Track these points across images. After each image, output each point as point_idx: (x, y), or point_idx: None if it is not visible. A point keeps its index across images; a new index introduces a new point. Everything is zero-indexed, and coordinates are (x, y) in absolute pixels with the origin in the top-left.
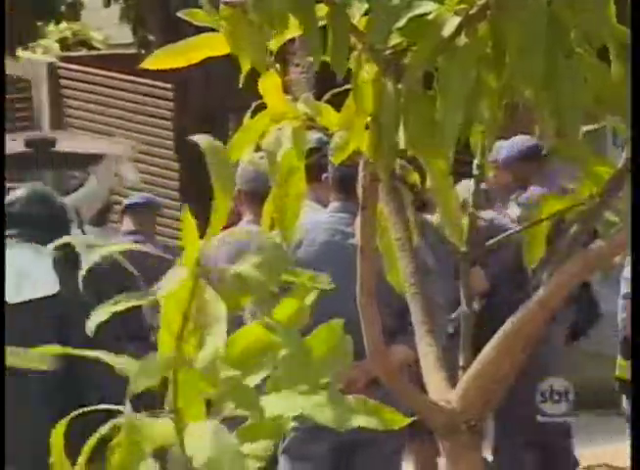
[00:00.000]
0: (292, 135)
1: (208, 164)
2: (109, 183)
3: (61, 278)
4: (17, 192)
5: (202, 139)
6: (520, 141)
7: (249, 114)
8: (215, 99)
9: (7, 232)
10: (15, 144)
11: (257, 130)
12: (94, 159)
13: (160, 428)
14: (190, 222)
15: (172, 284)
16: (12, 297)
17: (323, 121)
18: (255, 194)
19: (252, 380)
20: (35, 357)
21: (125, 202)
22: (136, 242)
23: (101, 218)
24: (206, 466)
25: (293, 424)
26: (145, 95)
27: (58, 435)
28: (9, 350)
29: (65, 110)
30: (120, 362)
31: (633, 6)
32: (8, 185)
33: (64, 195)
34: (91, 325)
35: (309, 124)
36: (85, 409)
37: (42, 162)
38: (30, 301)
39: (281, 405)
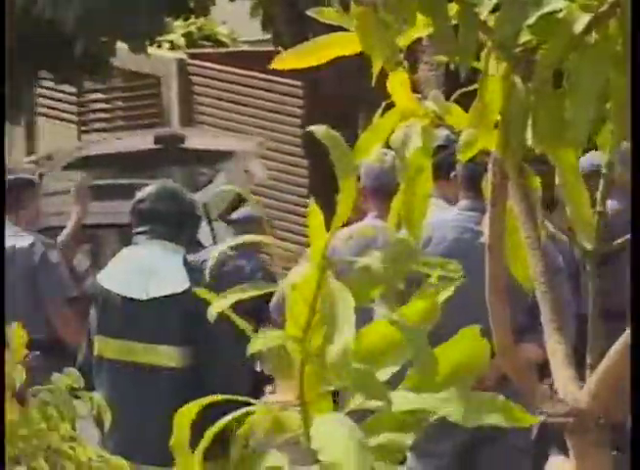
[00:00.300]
0: (420, 133)
1: (331, 153)
2: (238, 180)
3: (190, 275)
4: (146, 189)
5: (320, 130)
6: None
7: (379, 112)
8: (345, 97)
9: (137, 229)
10: (144, 141)
11: (386, 129)
12: (223, 155)
13: (288, 419)
14: (317, 215)
15: (299, 276)
16: (141, 294)
17: (451, 120)
18: (380, 190)
19: (380, 375)
20: (164, 354)
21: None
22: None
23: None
24: (333, 459)
25: (422, 418)
26: (275, 93)
27: (184, 418)
28: (140, 346)
29: (194, 106)
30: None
31: (633, 6)
32: (136, 181)
33: (193, 192)
34: (213, 311)
35: (437, 122)
36: (214, 398)
37: (171, 158)
38: (159, 298)
39: (409, 400)
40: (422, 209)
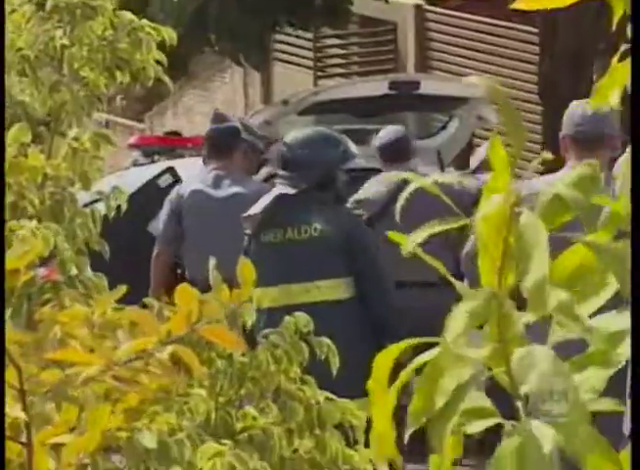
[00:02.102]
0: None
1: (497, 107)
2: (471, 126)
3: (329, 217)
4: (289, 135)
5: (484, 81)
6: None
7: (616, 57)
8: (581, 43)
9: (281, 174)
10: (379, 86)
11: (624, 75)
12: (457, 102)
13: (478, 355)
14: (499, 149)
15: (489, 209)
16: (289, 236)
17: None
18: (581, 139)
19: (586, 304)
20: (329, 289)
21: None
22: None
23: (462, 161)
24: (538, 391)
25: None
26: (510, 39)
27: (384, 360)
28: (299, 287)
29: (429, 53)
30: (460, 286)
31: (633, 6)
32: (369, 127)
33: (426, 137)
34: (409, 245)
35: None
36: (412, 341)
37: (405, 104)
38: (314, 237)
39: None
40: None
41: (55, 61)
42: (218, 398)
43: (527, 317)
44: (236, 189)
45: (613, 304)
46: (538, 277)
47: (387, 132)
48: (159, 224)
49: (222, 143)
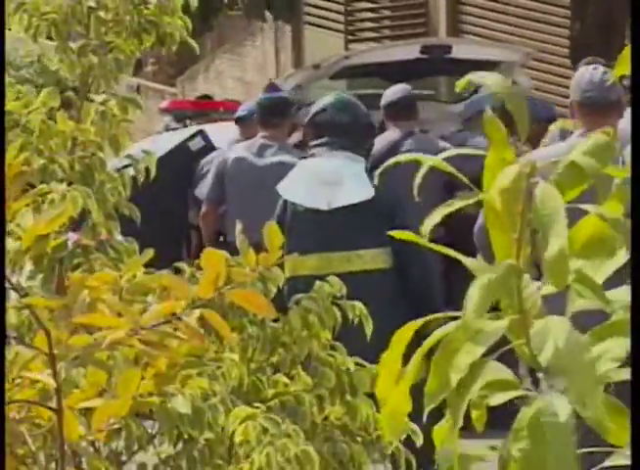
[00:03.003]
0: None
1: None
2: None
3: (369, 185)
4: (322, 101)
5: (489, 79)
6: None
7: None
8: (614, 7)
9: (315, 141)
10: (411, 50)
11: None
12: (489, 66)
13: (498, 327)
14: (495, 124)
15: (505, 181)
16: (330, 204)
17: None
18: (587, 105)
19: (599, 273)
20: (367, 258)
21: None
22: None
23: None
24: (555, 361)
25: None
26: (543, 3)
27: (402, 337)
28: (338, 255)
29: (461, 17)
30: (472, 263)
31: (633, 6)
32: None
33: (457, 102)
34: (426, 228)
35: None
36: (434, 316)
37: (437, 68)
38: (348, 206)
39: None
40: None
41: (82, 25)
42: (250, 364)
43: (547, 289)
44: (279, 158)
45: (619, 276)
46: (557, 248)
47: (392, 91)
48: (202, 189)
49: (272, 113)
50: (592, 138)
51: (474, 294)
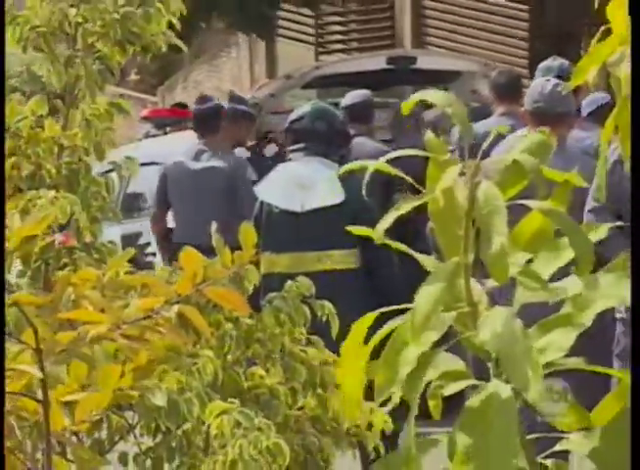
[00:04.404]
0: None
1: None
2: (464, 99)
3: (345, 187)
4: (300, 109)
5: (429, 94)
6: None
7: (596, 37)
8: (569, 21)
9: (293, 147)
10: (378, 61)
11: (603, 53)
12: (451, 76)
13: (446, 319)
14: (435, 141)
15: (448, 181)
16: (303, 206)
17: None
18: (537, 114)
19: (544, 267)
20: (338, 258)
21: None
22: None
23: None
24: (499, 353)
25: (624, 330)
26: (502, 16)
27: (361, 326)
28: (311, 255)
29: (425, 29)
30: (425, 260)
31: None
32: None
33: (423, 110)
34: (380, 230)
35: None
36: (390, 308)
37: (402, 78)
38: (318, 209)
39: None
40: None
41: (69, 36)
42: (226, 357)
43: (490, 283)
44: (212, 163)
45: (565, 269)
46: (498, 245)
47: (352, 95)
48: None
49: (205, 122)
50: (530, 137)
51: (423, 293)
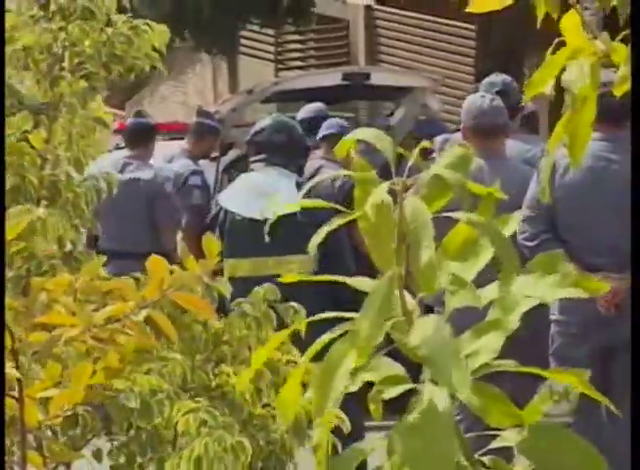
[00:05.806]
0: (589, 69)
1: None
2: (415, 113)
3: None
4: (262, 122)
5: (365, 133)
6: None
7: (550, 50)
8: (513, 40)
9: (254, 158)
10: (334, 77)
11: (557, 65)
12: (403, 91)
13: (384, 330)
14: (360, 161)
15: (376, 198)
16: (259, 214)
17: (617, 58)
18: (478, 130)
19: (470, 274)
20: (297, 263)
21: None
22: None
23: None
24: (428, 356)
25: (557, 330)
26: (450, 35)
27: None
28: (272, 260)
29: (378, 47)
30: (355, 282)
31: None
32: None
33: (376, 123)
34: (311, 247)
35: (603, 61)
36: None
37: (357, 93)
38: (277, 217)
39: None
40: (586, 134)
41: (57, 57)
42: (195, 356)
43: (421, 295)
44: (136, 174)
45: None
46: (427, 258)
47: (306, 109)
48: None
49: (136, 136)
50: (451, 152)
51: (363, 315)
